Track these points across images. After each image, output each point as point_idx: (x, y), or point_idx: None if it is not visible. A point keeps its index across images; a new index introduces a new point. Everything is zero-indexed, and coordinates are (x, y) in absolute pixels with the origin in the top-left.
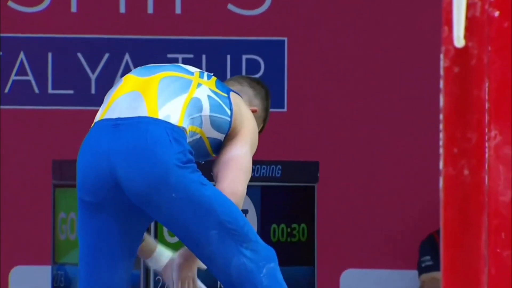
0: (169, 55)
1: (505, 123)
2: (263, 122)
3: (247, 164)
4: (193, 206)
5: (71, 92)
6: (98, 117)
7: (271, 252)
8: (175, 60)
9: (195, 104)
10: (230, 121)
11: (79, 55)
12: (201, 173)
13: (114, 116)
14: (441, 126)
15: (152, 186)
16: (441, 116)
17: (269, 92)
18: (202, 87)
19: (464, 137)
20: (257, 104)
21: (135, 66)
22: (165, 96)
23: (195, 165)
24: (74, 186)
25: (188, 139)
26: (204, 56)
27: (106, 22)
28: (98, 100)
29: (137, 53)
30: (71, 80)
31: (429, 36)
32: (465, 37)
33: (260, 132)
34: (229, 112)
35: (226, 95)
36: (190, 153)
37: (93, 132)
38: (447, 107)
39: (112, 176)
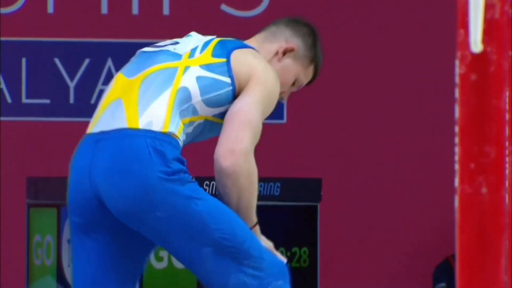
0: None
1: None
2: (311, 63)
3: (251, 117)
4: (181, 223)
5: (47, 101)
6: (87, 129)
7: (279, 268)
8: None
9: (183, 95)
10: (233, 88)
11: (56, 60)
12: (194, 184)
13: (97, 130)
14: (456, 140)
15: (135, 205)
16: (456, 128)
17: (315, 30)
18: (190, 70)
19: (481, 151)
20: (295, 42)
21: None
22: (146, 99)
23: (185, 175)
24: (50, 206)
25: (188, 130)
26: None
27: (87, 24)
28: (77, 110)
29: (121, 59)
30: (48, 89)
31: (443, 40)
32: (483, 41)
33: (313, 79)
34: (228, 80)
35: (225, 60)
36: (179, 161)
37: (78, 147)
38: (463, 118)
39: (96, 195)
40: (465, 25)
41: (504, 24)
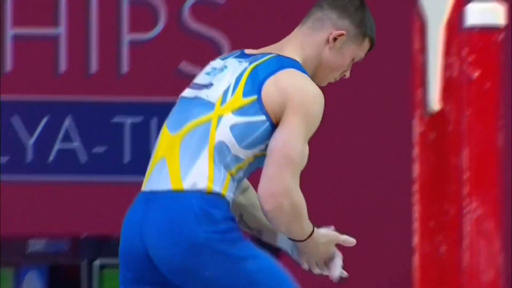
0: (115, 119)
1: (487, 194)
2: (364, 37)
3: (289, 152)
4: (231, 284)
5: (5, 159)
6: (142, 186)
7: None
8: (121, 126)
9: (221, 150)
10: (270, 123)
11: (14, 119)
12: (244, 242)
13: (148, 189)
14: (415, 198)
15: (183, 266)
16: (415, 187)
17: (362, 3)
18: (223, 121)
19: (441, 209)
20: (343, 24)
21: (78, 130)
22: (187, 160)
23: (234, 234)
24: (7, 265)
25: (239, 176)
26: (155, 120)
27: (44, 82)
28: (35, 169)
29: (79, 117)
30: (5, 147)
31: (400, 98)
32: (441, 100)
33: (371, 48)
34: (263, 117)
35: (255, 98)
36: (228, 218)
37: (133, 204)
38: (422, 176)
39: (145, 253)
40: (423, 84)
41: (462, 83)
